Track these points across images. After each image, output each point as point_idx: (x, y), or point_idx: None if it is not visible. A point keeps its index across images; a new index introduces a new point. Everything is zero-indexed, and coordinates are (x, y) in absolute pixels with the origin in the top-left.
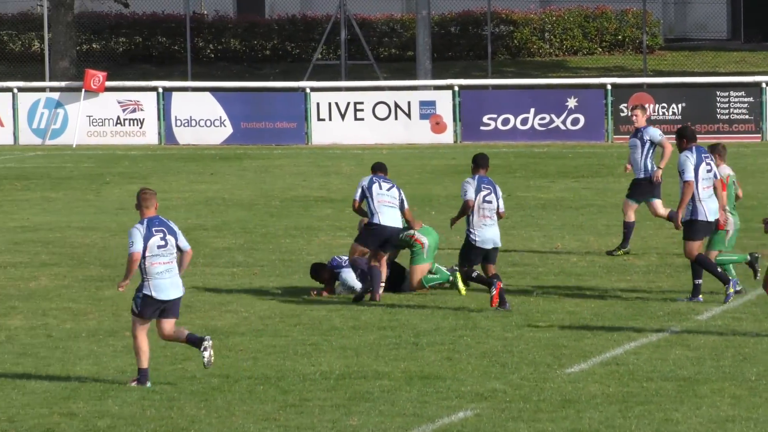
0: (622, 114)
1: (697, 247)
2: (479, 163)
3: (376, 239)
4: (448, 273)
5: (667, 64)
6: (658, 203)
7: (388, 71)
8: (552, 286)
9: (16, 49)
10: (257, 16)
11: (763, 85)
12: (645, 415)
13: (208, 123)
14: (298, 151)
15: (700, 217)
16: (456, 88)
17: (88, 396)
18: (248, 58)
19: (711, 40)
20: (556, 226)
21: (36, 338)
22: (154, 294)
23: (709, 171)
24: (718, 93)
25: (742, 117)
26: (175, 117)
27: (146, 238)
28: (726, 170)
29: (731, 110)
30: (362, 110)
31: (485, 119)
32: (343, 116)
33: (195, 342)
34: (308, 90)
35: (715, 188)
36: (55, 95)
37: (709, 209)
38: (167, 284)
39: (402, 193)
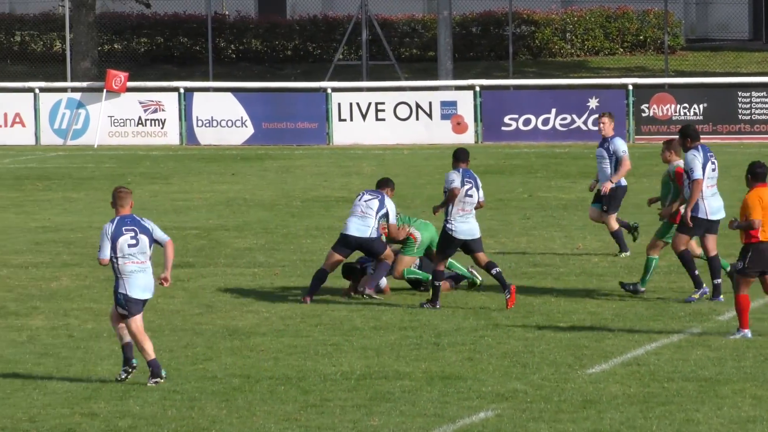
0: (643, 114)
1: (686, 241)
2: (459, 157)
3: (339, 245)
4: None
5: (688, 65)
6: (611, 218)
7: (409, 71)
8: (573, 287)
9: (37, 50)
10: (278, 17)
11: None
12: (666, 416)
13: (230, 123)
14: (319, 152)
15: (700, 215)
16: (477, 89)
17: (109, 396)
18: (269, 58)
19: (733, 41)
20: (578, 227)
21: (57, 338)
22: (129, 293)
23: (714, 170)
24: (739, 93)
25: (764, 117)
26: (197, 117)
27: (114, 237)
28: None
29: (753, 111)
30: (383, 110)
31: (506, 119)
32: (364, 116)
33: (127, 355)
34: (329, 90)
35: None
36: (77, 95)
37: (711, 207)
38: (141, 283)
39: (388, 208)
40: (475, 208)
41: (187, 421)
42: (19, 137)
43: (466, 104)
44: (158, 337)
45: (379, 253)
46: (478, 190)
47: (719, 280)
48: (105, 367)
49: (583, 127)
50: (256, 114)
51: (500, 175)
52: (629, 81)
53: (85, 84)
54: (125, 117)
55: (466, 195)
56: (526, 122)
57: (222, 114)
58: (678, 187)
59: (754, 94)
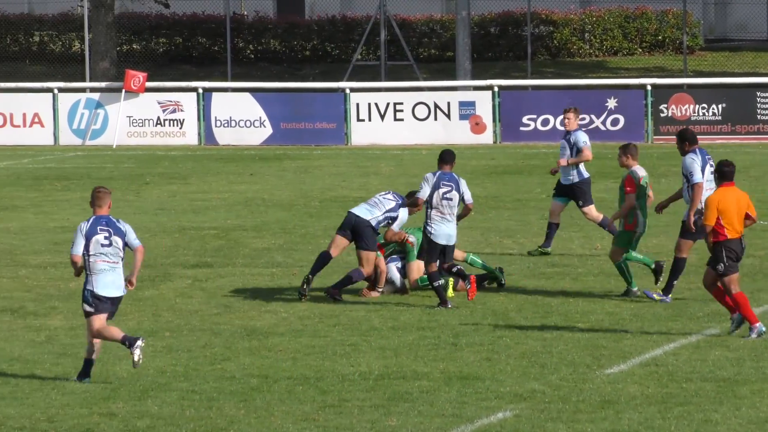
0: (662, 114)
1: (689, 247)
2: (444, 158)
3: (341, 226)
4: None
5: (707, 65)
6: (590, 209)
7: (427, 72)
8: (591, 287)
9: (56, 50)
10: (297, 17)
11: None
12: (684, 416)
13: (248, 123)
14: (337, 152)
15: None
16: (495, 89)
17: (127, 396)
18: (288, 58)
19: (751, 41)
20: (596, 227)
21: (76, 338)
22: (96, 290)
23: (712, 173)
24: (758, 93)
25: None
26: (215, 117)
27: (89, 235)
28: (642, 171)
29: None
30: (402, 111)
31: (525, 120)
32: (382, 117)
33: (130, 341)
34: (348, 90)
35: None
36: (96, 96)
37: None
38: (109, 282)
39: (400, 216)
40: (465, 213)
41: (205, 421)
42: (38, 137)
43: (484, 104)
44: (177, 338)
45: (366, 243)
46: (459, 191)
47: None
48: (123, 367)
49: (602, 128)
50: (275, 114)
51: (518, 176)
52: (648, 81)
53: (103, 84)
54: (144, 117)
55: (443, 198)
56: (545, 122)
57: (240, 114)
58: (624, 193)
59: None
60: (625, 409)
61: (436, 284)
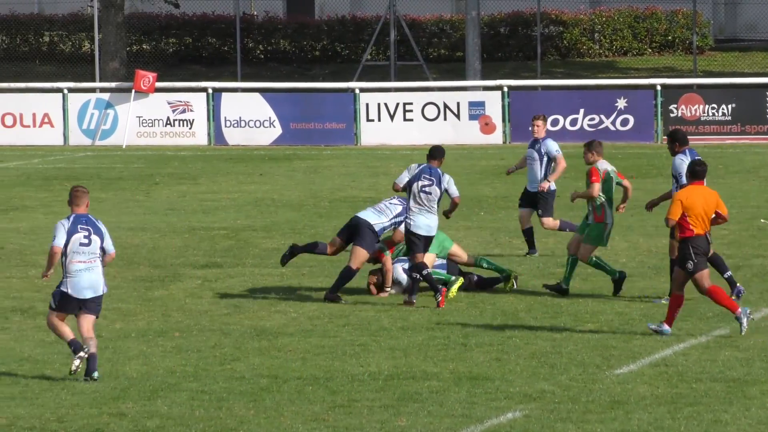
0: (672, 115)
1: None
2: (431, 153)
3: (344, 226)
4: (450, 275)
5: (717, 65)
6: (547, 220)
7: (437, 72)
8: (601, 287)
9: (66, 50)
10: (307, 17)
11: None
12: (694, 417)
13: (258, 124)
14: (347, 152)
15: None
16: (505, 89)
17: (137, 396)
18: (298, 58)
19: (761, 41)
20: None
21: None
22: (70, 291)
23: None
24: None
25: None
26: (225, 118)
27: (70, 233)
28: (605, 164)
29: None
30: (411, 111)
31: None
32: (392, 117)
33: (76, 347)
34: (357, 91)
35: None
36: (105, 96)
37: None
38: (85, 283)
39: (402, 215)
40: (452, 207)
41: (215, 421)
42: (47, 137)
43: (494, 105)
44: (186, 338)
45: (362, 241)
46: (440, 187)
47: (729, 273)
48: (133, 367)
49: (612, 128)
50: (284, 114)
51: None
52: (658, 81)
53: (113, 84)
54: (153, 117)
55: (421, 190)
56: (554, 123)
57: (250, 114)
58: (590, 182)
59: None
60: (635, 410)
61: (424, 272)
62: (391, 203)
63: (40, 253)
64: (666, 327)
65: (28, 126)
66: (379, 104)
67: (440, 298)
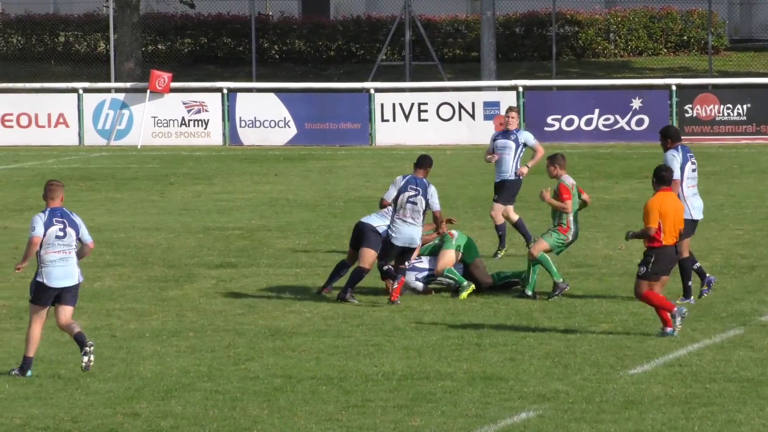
0: (687, 115)
1: (688, 244)
2: (418, 162)
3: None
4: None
5: (732, 65)
6: (499, 207)
7: (452, 72)
8: (615, 288)
9: (81, 50)
10: (322, 17)
11: None
12: (708, 417)
13: (273, 124)
14: (362, 152)
15: (686, 216)
16: (520, 89)
17: (151, 396)
18: (313, 59)
19: None
20: (620, 227)
21: (100, 338)
22: (45, 281)
23: (694, 170)
24: None
25: None
26: (240, 118)
27: (46, 226)
28: (569, 179)
29: None
30: (426, 111)
31: (549, 120)
32: (407, 117)
33: (80, 342)
34: (372, 91)
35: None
36: (121, 96)
37: (695, 207)
38: (60, 273)
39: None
40: (435, 221)
41: (228, 421)
42: (62, 137)
43: (509, 104)
44: (200, 338)
45: (368, 243)
46: (425, 197)
47: (690, 282)
48: (147, 367)
49: (626, 128)
50: (299, 114)
51: (542, 176)
52: (673, 81)
53: (128, 84)
54: (169, 117)
55: (408, 201)
56: (569, 122)
57: (265, 114)
58: (562, 200)
59: None
60: (649, 410)
61: (385, 268)
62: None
63: None
64: (668, 329)
65: (44, 126)
66: (394, 104)
67: (394, 295)
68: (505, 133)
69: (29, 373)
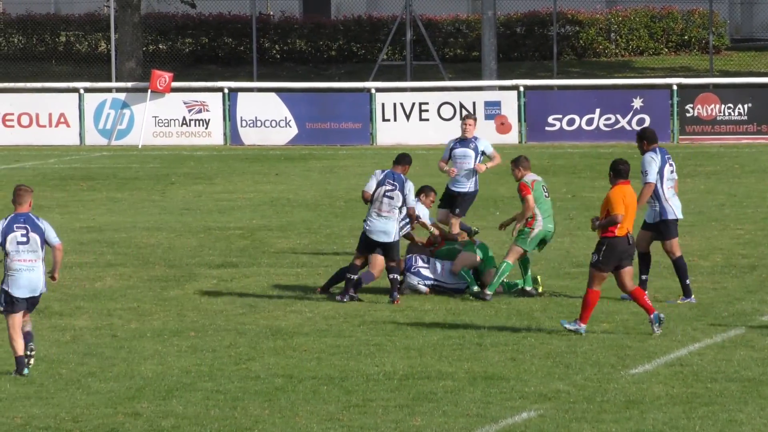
0: (688, 114)
1: (678, 244)
2: (397, 159)
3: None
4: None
5: (733, 65)
6: (458, 222)
7: (453, 72)
8: (617, 287)
9: (82, 50)
10: (323, 17)
11: None
12: (709, 416)
13: (274, 123)
14: (363, 152)
15: (671, 216)
16: (521, 89)
17: (152, 396)
18: (314, 58)
19: None
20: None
21: (101, 338)
22: (11, 290)
23: (672, 171)
24: None
25: None
26: (241, 117)
27: (5, 232)
28: (532, 176)
29: None
30: (427, 111)
31: (550, 120)
32: (408, 117)
33: (25, 342)
34: (373, 90)
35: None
36: (121, 96)
37: (676, 207)
38: (24, 282)
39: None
40: (408, 217)
41: (230, 421)
42: (63, 137)
43: (510, 104)
44: (202, 337)
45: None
46: (402, 193)
47: (688, 281)
48: (148, 366)
49: (627, 128)
50: (300, 114)
51: (544, 176)
52: (674, 81)
53: (129, 84)
54: (169, 117)
55: (384, 195)
56: (570, 122)
57: (266, 114)
58: (522, 197)
59: None
60: (650, 409)
61: (349, 276)
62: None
63: None
64: (582, 326)
65: (45, 126)
66: (395, 104)
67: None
68: (463, 141)
69: (26, 371)
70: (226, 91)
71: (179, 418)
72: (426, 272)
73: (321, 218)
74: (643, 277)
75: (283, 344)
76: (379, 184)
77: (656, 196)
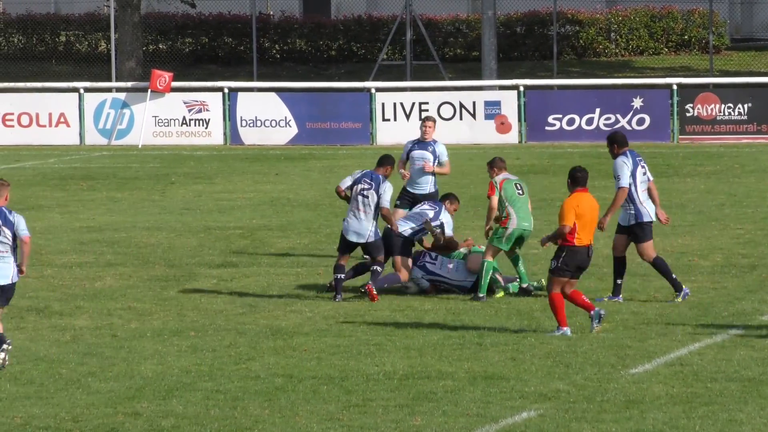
0: (688, 114)
1: (653, 246)
2: (379, 161)
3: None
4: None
5: (733, 64)
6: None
7: (453, 71)
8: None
9: (82, 50)
10: (323, 17)
11: None
12: (709, 416)
13: (274, 123)
14: (363, 152)
15: (646, 219)
16: (521, 88)
17: (152, 396)
18: (314, 58)
19: None
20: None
21: (101, 338)
22: None
23: (644, 174)
24: None
25: None
26: (241, 117)
27: None
28: (504, 175)
29: None
30: (427, 110)
31: (550, 119)
32: (408, 116)
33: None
34: (373, 90)
35: (650, 190)
36: (121, 96)
37: (651, 209)
38: None
39: (441, 219)
40: (383, 218)
41: (230, 420)
42: (63, 137)
43: (510, 104)
44: (201, 337)
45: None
46: (377, 192)
47: (621, 281)
48: (148, 366)
49: (628, 127)
50: (300, 114)
51: (544, 175)
52: (674, 81)
53: (129, 84)
54: (169, 117)
55: (359, 194)
56: (570, 122)
57: (266, 114)
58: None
59: None
60: (650, 409)
61: (336, 276)
62: (422, 209)
63: (55, 253)
64: (565, 329)
65: (45, 126)
66: (395, 104)
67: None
68: (421, 143)
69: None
70: (226, 90)
71: (179, 418)
72: (432, 267)
73: (321, 218)
74: (618, 281)
75: (283, 344)
76: (356, 182)
77: (630, 199)
